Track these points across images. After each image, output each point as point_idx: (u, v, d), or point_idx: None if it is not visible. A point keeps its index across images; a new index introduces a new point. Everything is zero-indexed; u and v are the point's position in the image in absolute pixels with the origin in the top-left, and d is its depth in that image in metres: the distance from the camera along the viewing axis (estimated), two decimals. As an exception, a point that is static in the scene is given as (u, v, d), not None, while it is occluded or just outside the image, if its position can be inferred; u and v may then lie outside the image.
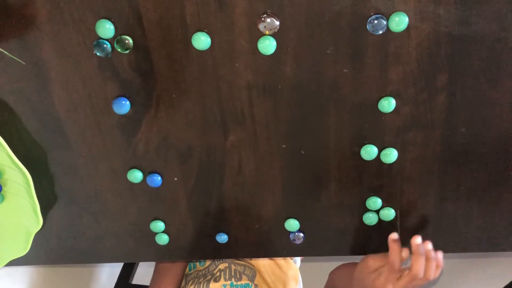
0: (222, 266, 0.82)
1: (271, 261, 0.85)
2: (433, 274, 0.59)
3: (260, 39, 0.51)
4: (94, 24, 0.51)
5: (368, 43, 0.51)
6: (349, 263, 0.77)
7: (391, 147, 0.58)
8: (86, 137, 0.60)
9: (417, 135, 0.57)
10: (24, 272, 0.93)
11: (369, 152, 0.58)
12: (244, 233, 0.68)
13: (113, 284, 1.12)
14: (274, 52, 0.52)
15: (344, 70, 0.53)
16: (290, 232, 0.67)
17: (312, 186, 0.62)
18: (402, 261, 0.61)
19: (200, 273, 0.83)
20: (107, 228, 0.68)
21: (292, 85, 0.55)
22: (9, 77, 0.56)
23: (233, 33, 0.51)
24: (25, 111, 0.58)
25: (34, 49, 0.54)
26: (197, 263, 0.86)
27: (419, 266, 0.58)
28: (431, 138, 0.58)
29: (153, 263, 0.91)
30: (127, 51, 0.53)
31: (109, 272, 1.28)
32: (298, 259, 0.94)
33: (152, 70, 0.54)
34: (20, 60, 0.54)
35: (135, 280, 1.14)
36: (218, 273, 0.81)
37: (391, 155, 0.58)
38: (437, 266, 0.60)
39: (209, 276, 0.81)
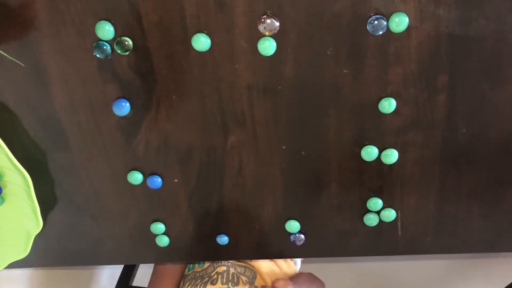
0: (220, 269, 0.82)
1: (272, 262, 0.85)
2: None
3: (260, 40, 0.51)
4: (93, 26, 0.51)
5: (368, 43, 0.51)
6: None
7: (391, 147, 0.58)
8: (86, 139, 0.60)
9: (417, 135, 0.57)
10: (24, 274, 0.93)
11: (370, 153, 0.58)
12: (245, 234, 0.67)
13: (114, 286, 1.11)
14: (274, 53, 0.52)
15: (344, 71, 0.53)
16: (291, 233, 0.66)
17: (312, 187, 0.62)
18: None
19: (198, 275, 0.83)
20: (107, 230, 0.68)
21: (292, 86, 0.55)
22: (9, 79, 0.56)
23: (233, 34, 0.51)
24: (24, 112, 0.58)
25: (34, 51, 0.54)
26: (196, 264, 0.86)
27: None
28: (431, 139, 0.58)
29: (153, 265, 0.91)
30: (127, 53, 0.53)
31: (110, 274, 1.28)
32: (298, 261, 0.94)
33: (152, 71, 0.54)
34: (19, 62, 0.54)
35: (136, 282, 1.14)
36: (215, 276, 0.81)
37: (391, 156, 0.58)
38: None
39: (206, 278, 0.81)
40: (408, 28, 0.50)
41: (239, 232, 0.67)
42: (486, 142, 0.58)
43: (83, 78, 0.55)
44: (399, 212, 0.63)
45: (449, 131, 0.57)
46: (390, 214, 0.63)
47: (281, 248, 0.68)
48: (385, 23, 0.49)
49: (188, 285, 0.80)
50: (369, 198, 0.63)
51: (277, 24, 0.50)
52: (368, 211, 0.64)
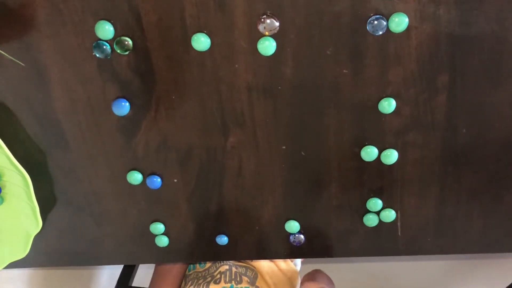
0: (222, 268, 0.82)
1: (272, 263, 0.85)
2: None
3: (260, 40, 0.51)
4: (93, 26, 0.51)
5: (368, 43, 0.51)
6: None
7: (391, 148, 0.58)
8: (85, 139, 0.60)
9: (417, 136, 0.57)
10: (23, 274, 0.93)
11: (370, 153, 0.58)
12: (244, 234, 0.67)
13: (113, 286, 1.11)
14: (274, 53, 0.52)
15: (344, 71, 0.53)
16: (291, 234, 0.66)
17: (312, 187, 0.62)
18: None
19: (200, 275, 0.83)
20: (107, 230, 0.68)
21: (292, 86, 0.55)
22: (8, 79, 0.56)
23: (233, 34, 0.51)
24: (24, 112, 0.58)
25: (33, 51, 0.54)
26: (197, 265, 0.86)
27: None
28: (431, 139, 0.57)
29: (153, 265, 0.91)
30: (127, 53, 0.53)
31: (109, 274, 1.28)
32: (298, 262, 0.94)
33: (152, 71, 0.54)
34: (19, 62, 0.54)
35: (135, 282, 1.14)
36: (218, 275, 0.81)
37: (391, 156, 0.58)
38: None
39: (209, 278, 0.81)
40: (408, 28, 0.50)
41: (238, 232, 0.67)
42: (486, 143, 0.58)
43: (83, 78, 0.55)
44: (399, 212, 0.63)
45: (449, 132, 0.57)
46: (390, 215, 0.63)
47: (281, 249, 0.68)
48: (385, 23, 0.49)
49: (190, 285, 0.80)
50: (369, 199, 0.62)
51: (277, 24, 0.50)
52: (368, 211, 0.63)
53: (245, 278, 0.81)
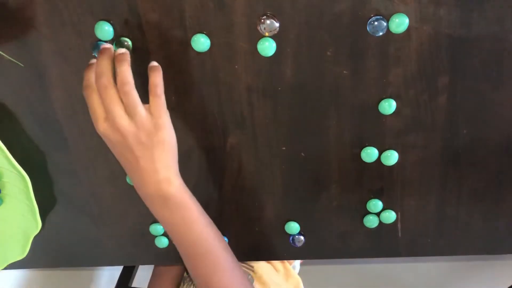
0: None
1: (270, 264, 0.85)
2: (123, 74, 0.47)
3: (260, 40, 0.51)
4: (93, 26, 0.51)
5: (368, 44, 0.51)
6: None
7: (391, 149, 0.58)
8: (85, 140, 0.60)
9: (417, 137, 0.57)
10: (23, 275, 0.93)
11: (370, 154, 0.58)
12: (244, 235, 0.67)
13: (113, 287, 1.11)
14: (273, 54, 0.52)
15: (344, 72, 0.53)
16: (290, 235, 0.66)
17: (312, 188, 0.62)
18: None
19: None
20: (107, 231, 0.68)
21: (292, 87, 0.54)
22: (8, 79, 0.55)
23: (233, 35, 0.51)
24: (23, 113, 0.58)
25: (33, 51, 0.53)
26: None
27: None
28: (431, 140, 0.57)
29: (152, 266, 0.91)
30: (126, 53, 0.53)
31: (109, 275, 1.28)
32: (297, 264, 0.93)
33: (151, 72, 0.54)
34: (18, 62, 0.54)
35: (135, 283, 1.14)
36: None
37: (391, 157, 0.58)
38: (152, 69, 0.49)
39: None
40: (408, 29, 0.50)
41: (238, 233, 0.67)
42: (486, 144, 0.57)
43: (83, 79, 0.55)
44: (399, 214, 0.63)
45: (449, 133, 0.57)
46: (390, 216, 0.63)
47: (281, 250, 0.68)
48: (385, 24, 0.49)
49: (187, 286, 0.80)
50: (369, 200, 0.62)
51: (277, 24, 0.50)
52: (368, 212, 0.63)
53: None
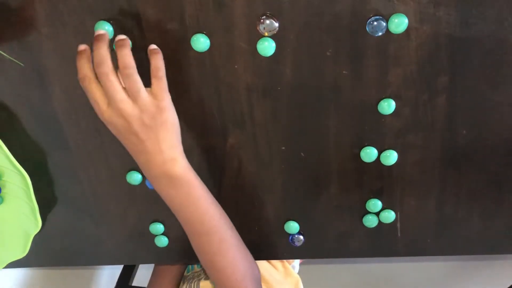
0: None
1: (269, 264, 0.85)
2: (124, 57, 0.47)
3: (259, 40, 0.51)
4: (93, 26, 0.51)
5: (367, 44, 0.51)
6: None
7: (391, 149, 0.58)
8: (85, 139, 0.60)
9: (417, 137, 0.57)
10: (23, 274, 0.93)
11: (369, 154, 0.58)
12: (244, 235, 0.67)
13: (113, 286, 1.11)
14: (273, 54, 0.52)
15: (344, 72, 0.53)
16: (290, 235, 0.66)
17: (312, 188, 0.62)
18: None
19: (196, 274, 0.83)
20: (107, 230, 0.68)
21: (291, 87, 0.55)
22: (8, 79, 0.56)
23: (232, 35, 0.51)
24: (24, 113, 0.58)
25: (33, 51, 0.54)
26: (195, 265, 0.86)
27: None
28: (431, 140, 0.57)
29: (153, 265, 0.91)
30: (126, 53, 0.53)
31: (109, 274, 1.28)
32: (296, 264, 0.93)
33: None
34: (19, 62, 0.54)
35: (135, 282, 1.14)
36: None
37: (391, 157, 0.58)
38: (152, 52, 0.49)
39: (202, 276, 0.81)
40: (408, 29, 0.50)
41: (238, 233, 0.67)
42: (486, 144, 0.57)
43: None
44: (398, 213, 0.63)
45: (449, 133, 0.57)
46: (389, 216, 0.63)
47: (280, 249, 0.68)
48: (384, 24, 0.49)
49: (186, 285, 0.80)
50: (368, 200, 0.62)
51: (277, 24, 0.50)
52: (368, 212, 0.63)
53: None
